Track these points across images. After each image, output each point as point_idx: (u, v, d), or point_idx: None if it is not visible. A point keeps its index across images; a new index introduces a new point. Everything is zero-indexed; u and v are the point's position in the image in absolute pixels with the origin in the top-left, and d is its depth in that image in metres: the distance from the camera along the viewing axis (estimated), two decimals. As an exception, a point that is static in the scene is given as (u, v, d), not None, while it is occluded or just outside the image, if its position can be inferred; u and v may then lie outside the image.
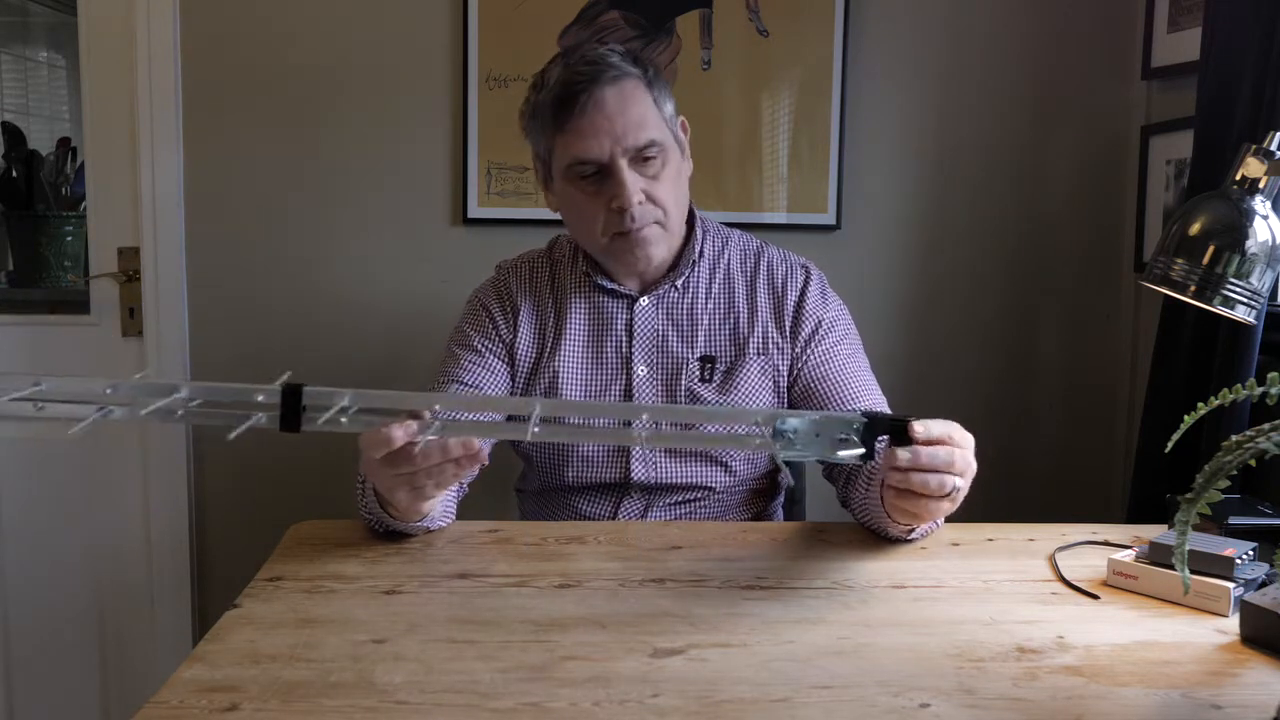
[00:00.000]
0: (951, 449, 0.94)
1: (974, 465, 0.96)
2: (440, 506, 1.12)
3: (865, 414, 0.86)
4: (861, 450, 0.85)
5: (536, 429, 0.82)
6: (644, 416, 0.84)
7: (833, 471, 1.27)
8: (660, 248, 1.26)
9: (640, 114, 1.20)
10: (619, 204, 1.21)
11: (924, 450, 0.92)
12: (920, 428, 0.91)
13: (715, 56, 1.95)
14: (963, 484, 0.95)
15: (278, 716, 0.73)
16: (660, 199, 1.23)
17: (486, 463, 0.95)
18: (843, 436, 0.85)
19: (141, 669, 2.01)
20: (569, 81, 1.19)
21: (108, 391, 0.81)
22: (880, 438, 0.87)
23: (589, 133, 1.19)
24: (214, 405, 0.83)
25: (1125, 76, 1.98)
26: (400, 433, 0.89)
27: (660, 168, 1.22)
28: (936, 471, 0.93)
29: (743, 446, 0.86)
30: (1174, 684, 0.79)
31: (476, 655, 0.83)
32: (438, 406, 0.87)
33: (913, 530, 1.11)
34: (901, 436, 0.90)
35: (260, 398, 0.82)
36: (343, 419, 0.83)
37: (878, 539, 1.14)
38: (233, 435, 0.78)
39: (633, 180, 1.20)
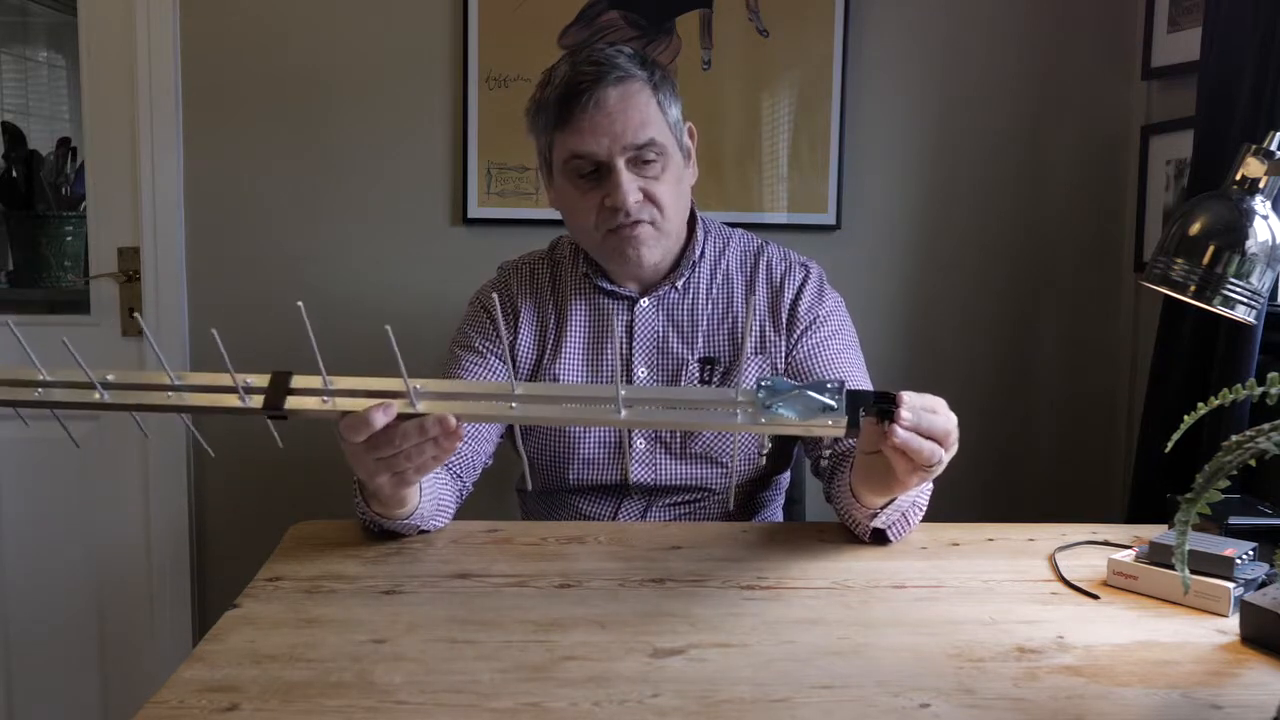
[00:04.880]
0: (946, 418, 0.92)
1: (956, 444, 0.94)
2: (432, 506, 1.12)
3: (847, 389, 0.85)
4: (843, 420, 0.84)
5: (513, 407, 0.85)
6: (622, 394, 0.84)
7: (819, 466, 1.27)
8: (654, 250, 1.25)
9: (641, 116, 1.20)
10: (613, 202, 1.21)
11: (922, 422, 0.90)
12: (909, 398, 0.89)
13: (715, 56, 1.95)
14: (947, 458, 0.93)
15: (278, 716, 0.73)
16: (657, 198, 1.22)
17: (463, 439, 0.93)
18: (824, 408, 0.84)
19: (141, 669, 2.02)
20: (573, 80, 1.19)
21: (109, 378, 0.84)
22: (862, 411, 0.86)
23: (588, 130, 1.19)
24: (202, 392, 0.87)
25: (1125, 76, 1.98)
26: (380, 414, 0.89)
27: (660, 170, 1.22)
28: (934, 439, 0.91)
29: (725, 428, 0.87)
30: (1174, 684, 0.79)
31: (476, 655, 0.83)
32: (417, 385, 0.87)
33: (876, 516, 1.09)
34: (881, 410, 0.88)
35: (250, 380, 0.85)
36: (324, 400, 0.85)
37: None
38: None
39: (629, 180, 1.20)
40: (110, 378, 0.87)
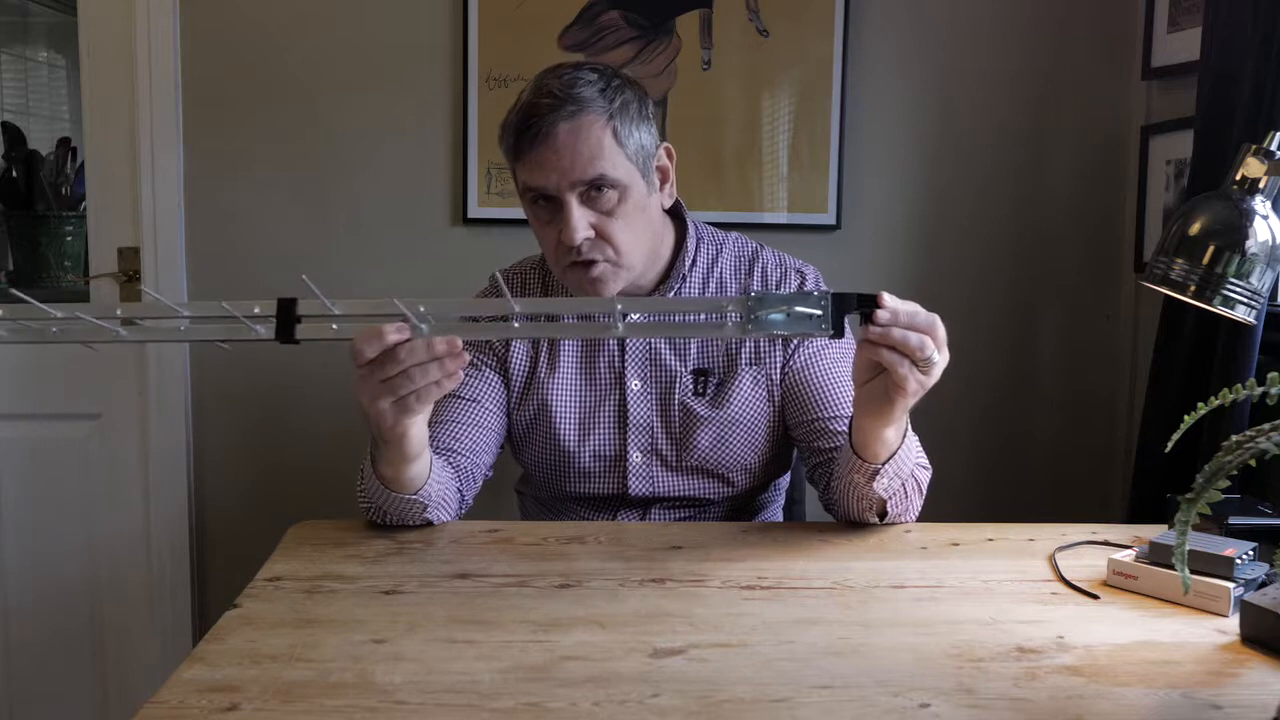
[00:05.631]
0: (929, 315, 0.95)
1: (947, 350, 0.97)
2: (440, 490, 1.12)
3: (832, 293, 0.89)
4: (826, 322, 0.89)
5: (517, 324, 0.90)
6: (618, 307, 0.87)
7: (815, 474, 1.26)
8: (613, 285, 1.22)
9: (591, 151, 1.15)
10: (565, 239, 1.17)
11: (903, 310, 0.94)
12: (889, 298, 0.93)
13: (715, 56, 1.95)
14: (939, 360, 0.96)
15: (278, 716, 0.73)
16: (612, 237, 1.18)
17: (468, 358, 0.98)
18: (811, 314, 0.88)
19: (141, 669, 2.01)
20: (528, 110, 1.16)
21: (118, 312, 0.86)
22: (848, 314, 0.91)
23: (537, 165, 1.16)
24: (214, 321, 0.91)
25: (1125, 76, 1.98)
26: (394, 330, 0.94)
27: (615, 203, 1.18)
28: (916, 330, 0.94)
29: (718, 334, 0.91)
30: (1174, 684, 0.79)
31: (476, 655, 0.83)
32: (422, 308, 0.92)
33: (878, 474, 1.08)
34: (863, 311, 0.93)
35: (257, 309, 0.87)
36: (333, 325, 0.90)
37: (878, 539, 1.14)
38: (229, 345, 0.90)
39: (579, 216, 1.16)
40: (118, 312, 0.92)
